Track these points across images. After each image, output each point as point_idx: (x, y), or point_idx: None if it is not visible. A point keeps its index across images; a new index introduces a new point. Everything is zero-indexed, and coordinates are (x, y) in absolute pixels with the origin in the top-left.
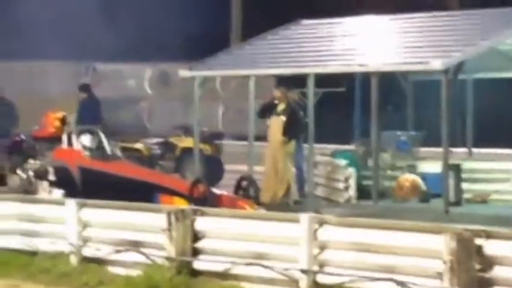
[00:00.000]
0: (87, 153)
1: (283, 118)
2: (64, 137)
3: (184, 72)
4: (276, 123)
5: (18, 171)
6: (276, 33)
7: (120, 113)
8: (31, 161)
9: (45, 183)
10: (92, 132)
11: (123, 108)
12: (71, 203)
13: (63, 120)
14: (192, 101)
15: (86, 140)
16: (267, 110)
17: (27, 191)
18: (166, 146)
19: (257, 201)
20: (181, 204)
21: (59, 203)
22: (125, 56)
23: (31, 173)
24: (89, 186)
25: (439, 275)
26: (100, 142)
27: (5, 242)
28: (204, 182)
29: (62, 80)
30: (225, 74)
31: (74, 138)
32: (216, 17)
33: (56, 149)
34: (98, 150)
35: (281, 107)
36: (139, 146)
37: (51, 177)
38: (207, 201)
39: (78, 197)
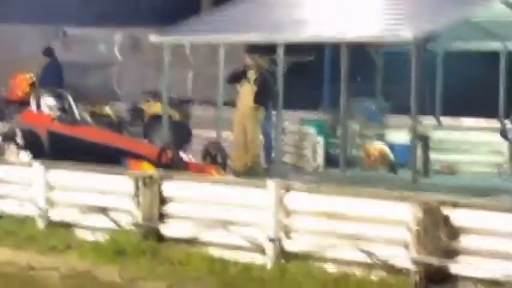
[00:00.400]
0: (52, 114)
1: (254, 85)
2: (32, 100)
3: (154, 38)
4: (247, 91)
5: None
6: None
7: (90, 78)
8: (0, 123)
9: (13, 146)
10: (60, 95)
11: (93, 72)
12: (38, 165)
13: (32, 83)
14: (161, 67)
15: (51, 100)
16: (237, 77)
17: None
18: (134, 111)
19: (224, 168)
20: (149, 169)
21: (26, 165)
22: (96, 20)
23: None
24: (57, 150)
25: (405, 244)
26: (69, 106)
27: None
28: (171, 147)
29: (32, 44)
30: (195, 40)
31: (42, 101)
32: None
33: (24, 112)
34: (66, 114)
35: (252, 74)
36: (107, 110)
37: (19, 140)
38: (174, 166)
39: (46, 160)
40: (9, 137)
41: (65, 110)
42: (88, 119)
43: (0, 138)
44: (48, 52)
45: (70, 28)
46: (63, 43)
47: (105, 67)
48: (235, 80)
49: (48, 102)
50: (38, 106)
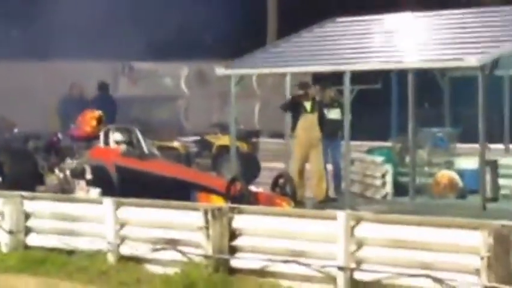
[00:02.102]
0: (120, 149)
1: (315, 115)
2: (101, 136)
3: (220, 71)
4: (309, 121)
5: (56, 171)
6: (311, 30)
7: (157, 111)
8: (68, 160)
9: (82, 182)
10: (128, 130)
11: (160, 106)
12: (109, 201)
13: (99, 119)
14: (228, 99)
15: (119, 135)
16: (291, 106)
17: (64, 190)
18: (202, 144)
19: (294, 199)
20: (218, 202)
21: (97, 201)
22: (161, 54)
23: (68, 172)
24: (127, 184)
25: (476, 271)
26: (137, 140)
27: (43, 241)
28: (240, 179)
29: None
30: (261, 71)
31: (110, 136)
32: (251, 15)
33: (92, 148)
34: (134, 148)
35: (309, 104)
36: (175, 144)
37: (89, 176)
38: (244, 199)
39: (115, 195)
40: (78, 173)
41: (132, 145)
42: (156, 152)
43: (70, 174)
44: (102, 86)
45: (136, 63)
46: (129, 78)
47: (172, 100)
48: (288, 109)
49: (116, 137)
50: (106, 142)
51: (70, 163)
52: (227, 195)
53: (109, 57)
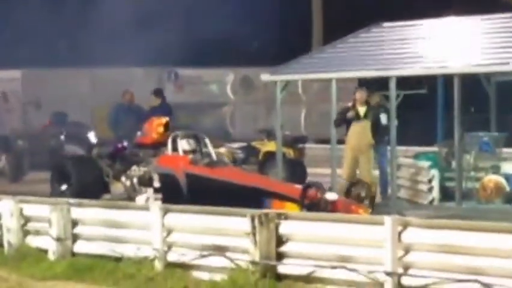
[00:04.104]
0: (189, 156)
1: (367, 121)
2: (168, 143)
3: (265, 77)
4: (360, 126)
5: (122, 178)
6: (357, 35)
7: (203, 118)
8: (135, 167)
9: (150, 190)
10: (196, 138)
11: (206, 113)
12: (156, 208)
13: (166, 126)
14: (274, 105)
15: (186, 143)
16: (344, 117)
17: (131, 198)
18: (249, 150)
19: (371, 206)
20: (293, 209)
21: (144, 208)
22: (207, 61)
23: (135, 180)
24: (197, 193)
25: None
26: (206, 147)
27: (90, 248)
28: (316, 186)
29: (145, 86)
30: (307, 77)
31: (178, 143)
32: (297, 21)
33: (160, 155)
34: (202, 156)
35: (362, 109)
36: (222, 150)
37: (157, 184)
38: (319, 207)
39: (184, 203)
40: (146, 181)
41: (201, 152)
42: (226, 160)
43: (137, 182)
44: (158, 93)
45: (182, 69)
46: (175, 84)
47: (217, 107)
48: (343, 121)
49: (184, 144)
50: (174, 149)
51: (137, 170)
52: (301, 203)
53: (155, 63)
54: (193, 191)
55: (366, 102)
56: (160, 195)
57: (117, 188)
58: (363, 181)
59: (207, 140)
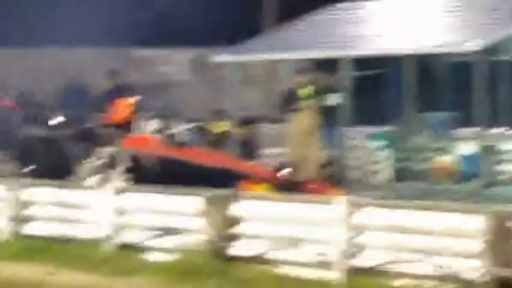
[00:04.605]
0: (157, 137)
1: (312, 102)
2: (135, 124)
3: (219, 57)
4: (307, 108)
5: (88, 160)
6: (311, 16)
7: (155, 99)
8: (101, 149)
9: (116, 171)
10: (164, 118)
11: (158, 93)
12: (107, 189)
13: (134, 107)
14: (227, 87)
15: (153, 123)
16: (288, 101)
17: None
18: (197, 131)
19: (342, 186)
20: (265, 191)
21: (96, 189)
22: (160, 41)
23: (101, 161)
24: (166, 175)
25: (476, 256)
26: (170, 128)
27: (40, 229)
28: (288, 168)
29: (97, 67)
30: (260, 58)
31: (145, 124)
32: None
33: (127, 136)
34: (171, 137)
35: (304, 92)
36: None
37: (123, 165)
38: (293, 187)
39: (151, 184)
40: (112, 162)
41: (165, 133)
42: (195, 141)
43: (102, 163)
44: (113, 74)
45: (134, 50)
46: (127, 65)
47: (170, 87)
48: (287, 105)
49: (151, 125)
50: (140, 130)
51: (103, 152)
52: (274, 184)
53: (107, 44)
54: (163, 173)
55: (313, 84)
56: (127, 177)
57: (84, 169)
58: (333, 161)
59: (173, 121)
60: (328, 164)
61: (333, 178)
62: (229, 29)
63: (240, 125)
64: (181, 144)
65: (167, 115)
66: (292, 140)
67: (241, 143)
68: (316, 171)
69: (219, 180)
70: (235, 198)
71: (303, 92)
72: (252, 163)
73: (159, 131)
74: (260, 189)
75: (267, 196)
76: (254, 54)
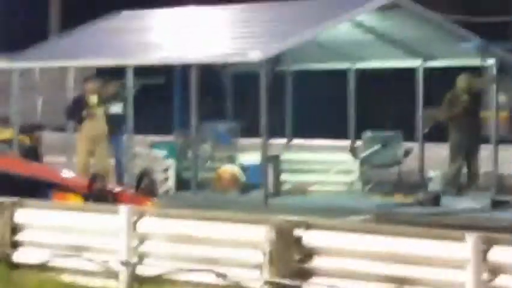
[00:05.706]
0: None
1: (100, 110)
2: None
3: (2, 64)
4: (94, 117)
5: None
6: (96, 23)
7: None
8: None
9: None
10: None
11: None
12: None
13: None
14: (11, 93)
15: None
16: (75, 109)
17: None
18: None
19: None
20: (75, 200)
21: None
22: None
23: None
24: None
25: (258, 266)
26: None
27: None
28: (100, 178)
29: None
30: (44, 65)
31: None
32: (35, 6)
33: None
34: None
35: (94, 99)
36: None
37: None
38: (105, 197)
39: None
40: None
41: None
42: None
43: None
44: None
45: None
46: None
47: None
48: (75, 113)
49: None
50: None
51: None
52: (86, 194)
53: None
54: None
55: (100, 92)
56: None
57: None
58: (150, 172)
59: None
60: (144, 174)
61: (147, 188)
62: (11, 34)
63: (23, 132)
64: None
65: None
66: (80, 148)
67: (25, 151)
68: (105, 179)
69: (31, 189)
70: (20, 205)
71: (91, 99)
72: (65, 172)
73: None
74: (71, 199)
75: (52, 204)
76: (39, 61)
